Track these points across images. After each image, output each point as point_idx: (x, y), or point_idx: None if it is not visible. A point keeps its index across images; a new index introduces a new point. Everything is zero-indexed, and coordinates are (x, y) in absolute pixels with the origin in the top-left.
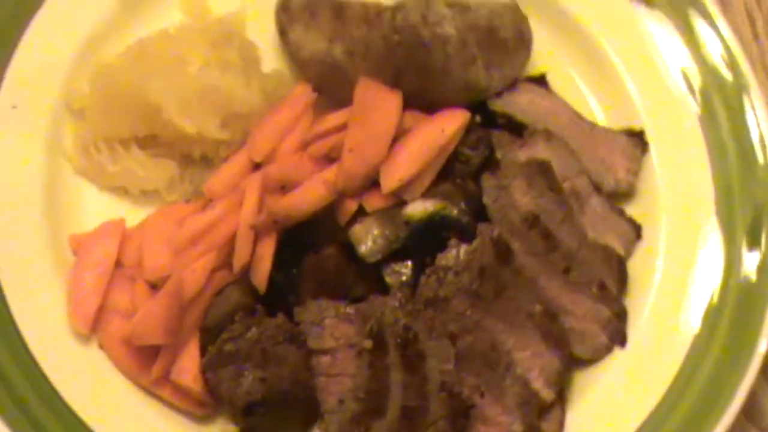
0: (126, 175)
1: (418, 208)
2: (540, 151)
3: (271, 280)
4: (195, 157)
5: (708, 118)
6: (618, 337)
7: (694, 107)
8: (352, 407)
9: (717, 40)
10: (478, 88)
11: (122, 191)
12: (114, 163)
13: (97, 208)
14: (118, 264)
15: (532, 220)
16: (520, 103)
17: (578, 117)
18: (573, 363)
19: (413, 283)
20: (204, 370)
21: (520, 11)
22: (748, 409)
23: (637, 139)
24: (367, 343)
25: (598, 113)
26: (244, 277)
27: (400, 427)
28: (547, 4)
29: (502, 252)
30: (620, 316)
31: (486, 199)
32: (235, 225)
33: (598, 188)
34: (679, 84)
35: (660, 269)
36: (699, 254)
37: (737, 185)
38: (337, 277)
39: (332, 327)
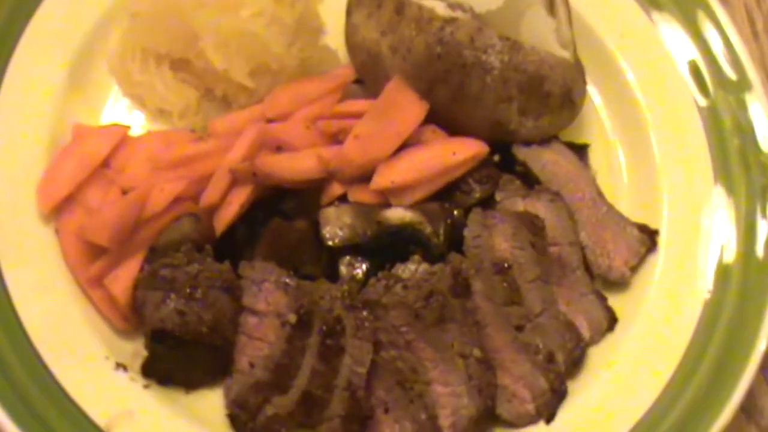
0: (147, 88)
1: (396, 214)
2: (540, 207)
3: (233, 230)
4: (216, 95)
5: None
6: (546, 412)
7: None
8: (259, 374)
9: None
10: (507, 129)
11: (141, 104)
12: (141, 73)
13: (113, 110)
14: (105, 165)
15: (502, 267)
16: (544, 160)
17: (598, 195)
18: (492, 419)
19: (363, 283)
20: (134, 286)
21: (577, 71)
22: (748, 408)
23: (648, 237)
24: (292, 317)
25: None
26: (207, 217)
27: (296, 410)
28: (611, 73)
29: (459, 285)
30: (557, 394)
31: (467, 232)
32: (218, 165)
33: (588, 267)
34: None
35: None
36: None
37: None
38: (295, 249)
39: (269, 291)
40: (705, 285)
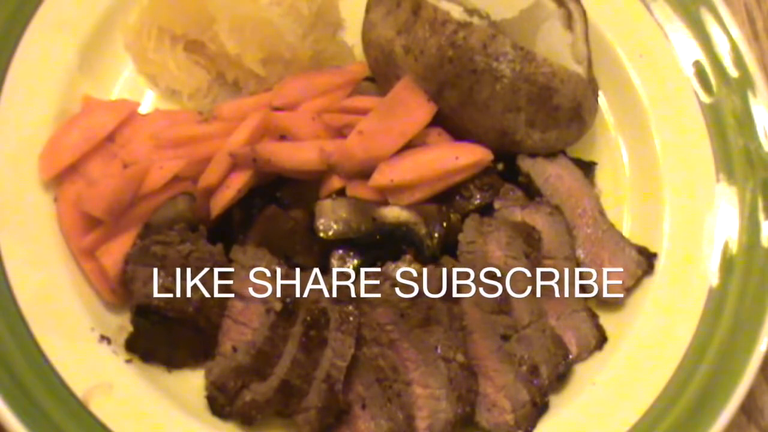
0: (161, 66)
1: (392, 213)
2: (538, 219)
3: (229, 214)
4: (227, 80)
5: None
6: (525, 424)
7: None
8: (241, 359)
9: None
10: (513, 139)
11: (153, 82)
12: (156, 51)
13: (125, 85)
14: (111, 139)
15: (494, 276)
16: (548, 173)
17: (600, 213)
18: (470, 426)
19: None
20: (125, 260)
21: (590, 88)
22: (748, 408)
23: (646, 260)
24: (277, 304)
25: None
26: (204, 198)
27: (274, 398)
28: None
29: (449, 290)
30: (538, 407)
31: (461, 237)
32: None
33: (582, 285)
34: None
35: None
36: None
37: None
38: (288, 238)
39: (258, 277)
40: (702, 293)
